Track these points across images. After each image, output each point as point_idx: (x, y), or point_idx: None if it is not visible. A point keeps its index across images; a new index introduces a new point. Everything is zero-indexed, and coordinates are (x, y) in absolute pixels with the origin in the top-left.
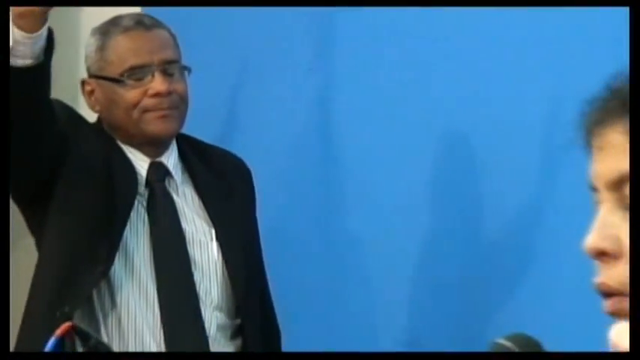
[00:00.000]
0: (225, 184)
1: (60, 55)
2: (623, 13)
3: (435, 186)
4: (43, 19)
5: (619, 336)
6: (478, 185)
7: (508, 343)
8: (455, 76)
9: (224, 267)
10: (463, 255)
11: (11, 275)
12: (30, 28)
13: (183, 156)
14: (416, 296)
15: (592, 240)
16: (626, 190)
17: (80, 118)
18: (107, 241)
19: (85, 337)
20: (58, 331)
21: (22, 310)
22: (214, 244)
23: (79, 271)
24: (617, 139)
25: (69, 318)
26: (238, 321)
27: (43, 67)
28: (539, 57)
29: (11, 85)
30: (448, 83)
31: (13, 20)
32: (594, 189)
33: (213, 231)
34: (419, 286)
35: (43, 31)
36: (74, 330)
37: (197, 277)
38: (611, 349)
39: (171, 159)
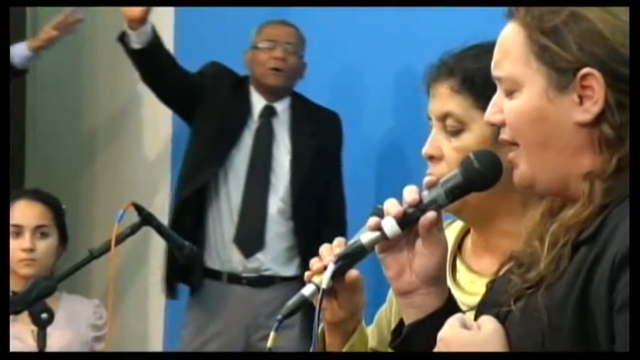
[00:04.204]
0: (313, 129)
1: None
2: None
3: None
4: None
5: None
6: None
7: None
8: None
9: (290, 178)
10: None
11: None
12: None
13: (292, 106)
14: None
15: (426, 149)
16: (447, 122)
17: (224, 74)
18: (220, 150)
19: (140, 210)
20: (124, 206)
21: None
22: (288, 164)
23: (200, 168)
24: (442, 90)
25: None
26: (292, 211)
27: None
28: None
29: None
30: None
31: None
32: (430, 119)
33: (290, 157)
34: None
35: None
36: (133, 205)
37: (273, 179)
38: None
39: (281, 105)
